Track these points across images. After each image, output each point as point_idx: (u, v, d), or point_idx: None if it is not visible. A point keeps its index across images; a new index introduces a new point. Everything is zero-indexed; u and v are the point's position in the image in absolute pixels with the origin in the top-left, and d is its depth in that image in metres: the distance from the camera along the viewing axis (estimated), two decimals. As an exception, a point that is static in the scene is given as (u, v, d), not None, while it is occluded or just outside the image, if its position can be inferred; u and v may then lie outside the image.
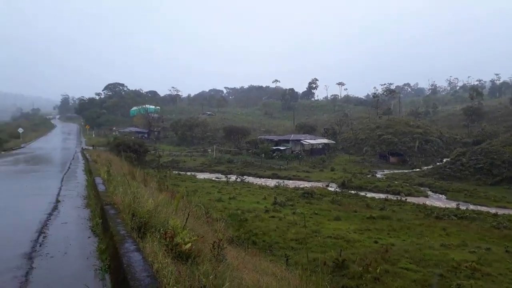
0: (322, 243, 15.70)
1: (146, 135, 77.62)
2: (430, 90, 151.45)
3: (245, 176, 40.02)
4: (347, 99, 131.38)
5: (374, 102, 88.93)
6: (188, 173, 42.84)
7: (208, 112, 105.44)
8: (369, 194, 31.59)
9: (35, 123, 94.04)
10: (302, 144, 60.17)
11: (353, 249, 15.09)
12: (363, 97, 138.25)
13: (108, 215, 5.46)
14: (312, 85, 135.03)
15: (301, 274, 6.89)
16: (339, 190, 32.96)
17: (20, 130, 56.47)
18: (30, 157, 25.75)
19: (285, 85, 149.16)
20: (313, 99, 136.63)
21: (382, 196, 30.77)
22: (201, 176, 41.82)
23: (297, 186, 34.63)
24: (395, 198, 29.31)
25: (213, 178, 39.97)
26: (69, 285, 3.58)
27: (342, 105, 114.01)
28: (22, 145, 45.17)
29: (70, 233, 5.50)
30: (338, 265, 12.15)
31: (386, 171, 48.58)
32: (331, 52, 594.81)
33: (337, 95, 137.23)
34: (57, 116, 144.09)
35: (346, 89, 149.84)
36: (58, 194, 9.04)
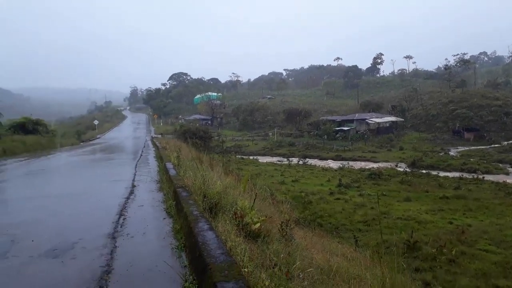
0: (391, 225, 15.17)
1: (209, 122, 79.95)
2: (510, 58, 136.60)
3: (307, 159, 39.70)
4: (416, 73, 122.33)
5: (446, 74, 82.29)
6: (251, 157, 43.51)
7: (268, 96, 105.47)
8: (442, 173, 29.68)
9: (108, 115, 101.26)
10: (368, 123, 57.91)
11: (425, 231, 14.41)
12: (434, 70, 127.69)
13: (180, 197, 5.69)
14: (377, 61, 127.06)
15: (372, 255, 6.71)
16: (409, 170, 31.38)
17: (96, 122, 61.26)
18: (106, 147, 27.80)
19: (347, 62, 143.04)
20: (378, 75, 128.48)
21: (457, 174, 28.73)
22: (263, 160, 42.29)
23: (363, 167, 33.65)
24: (471, 177, 27.27)
25: (275, 162, 40.22)
26: (149, 262, 3.79)
27: (410, 79, 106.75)
28: (98, 136, 48.91)
29: (147, 215, 5.83)
30: (409, 247, 11.68)
31: (460, 148, 45.23)
32: (398, 23, 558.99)
33: (404, 69, 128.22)
34: (127, 107, 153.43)
35: (415, 62, 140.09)
36: (133, 180, 9.63)
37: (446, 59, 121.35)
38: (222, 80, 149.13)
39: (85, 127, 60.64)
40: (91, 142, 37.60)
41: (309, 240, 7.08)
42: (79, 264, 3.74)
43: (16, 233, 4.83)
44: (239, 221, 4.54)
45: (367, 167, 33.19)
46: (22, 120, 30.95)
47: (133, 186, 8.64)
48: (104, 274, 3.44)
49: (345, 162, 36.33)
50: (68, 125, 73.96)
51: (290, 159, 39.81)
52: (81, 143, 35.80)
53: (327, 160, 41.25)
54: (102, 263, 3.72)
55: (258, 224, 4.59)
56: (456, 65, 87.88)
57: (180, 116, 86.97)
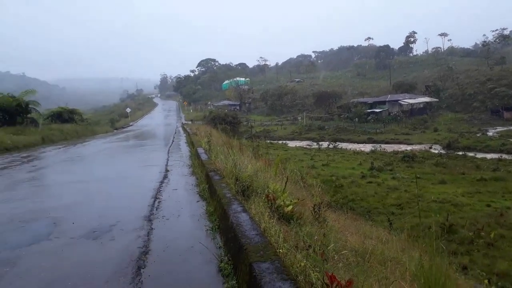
0: (426, 208, 14.78)
1: (238, 107, 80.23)
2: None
3: (337, 142, 39.16)
4: (451, 51, 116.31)
5: (484, 51, 78.38)
6: (280, 142, 43.44)
7: (297, 79, 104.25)
8: (479, 155, 28.59)
9: (139, 103, 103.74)
10: (400, 105, 56.23)
11: (461, 214, 14.00)
12: (471, 47, 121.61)
13: (213, 180, 5.75)
14: (410, 39, 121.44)
15: (407, 237, 6.57)
16: (444, 152, 30.41)
17: (128, 109, 62.85)
18: (139, 133, 28.49)
19: (378, 42, 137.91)
20: (411, 54, 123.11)
21: (495, 156, 27.58)
22: (292, 144, 42.11)
23: (396, 150, 32.87)
24: (510, 158, 26.07)
25: (305, 146, 39.96)
26: (185, 243, 3.86)
27: (445, 58, 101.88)
28: (131, 123, 50.24)
29: (181, 198, 5.94)
30: (445, 230, 11.37)
31: (499, 129, 43.23)
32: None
33: (439, 47, 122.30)
34: (158, 95, 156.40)
35: (450, 40, 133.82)
36: (166, 164, 9.84)
37: (484, 35, 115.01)
38: (250, 65, 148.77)
39: (118, 115, 62.42)
40: (124, 130, 38.65)
41: (342, 223, 7.01)
42: (118, 245, 3.86)
43: (58, 216, 5.04)
44: (271, 203, 4.54)
45: (400, 150, 32.41)
46: (58, 110, 32.19)
47: (167, 170, 8.82)
48: (142, 255, 3.53)
49: (377, 145, 35.66)
50: (102, 113, 76.42)
51: (320, 143, 39.41)
52: (115, 131, 36.88)
53: (358, 143, 40.59)
54: (140, 244, 3.83)
55: (291, 207, 4.57)
56: (495, 41, 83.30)
57: (209, 102, 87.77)
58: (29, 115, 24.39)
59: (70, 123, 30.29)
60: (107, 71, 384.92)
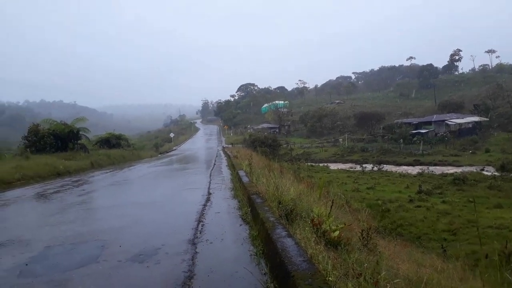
0: (482, 234, 13.79)
1: (277, 130, 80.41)
2: None
3: (382, 165, 37.98)
4: (500, 68, 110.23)
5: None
6: (321, 164, 42.77)
7: (337, 101, 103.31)
8: (540, 177, 26.51)
9: (182, 128, 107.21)
10: (447, 125, 53.87)
11: (522, 241, 12.85)
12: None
13: (255, 203, 5.68)
14: (455, 57, 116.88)
15: (463, 266, 6.10)
16: (498, 174, 28.48)
17: (172, 134, 65.03)
18: (182, 157, 29.19)
19: (421, 61, 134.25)
20: (456, 73, 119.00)
21: (558, 178, 25.50)
22: (334, 166, 41.34)
23: (445, 172, 31.29)
24: None
25: (347, 168, 39.10)
26: (229, 268, 3.79)
27: (494, 75, 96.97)
28: (174, 148, 51.78)
29: (224, 221, 5.91)
30: (505, 259, 10.48)
31: (560, 149, 40.10)
32: (479, 16, 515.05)
33: (486, 65, 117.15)
34: (199, 120, 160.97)
35: (498, 56, 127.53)
36: (209, 187, 9.91)
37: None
38: (289, 88, 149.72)
39: (162, 139, 64.69)
40: (168, 154, 39.84)
41: (392, 250, 6.65)
42: (163, 269, 3.85)
43: (106, 239, 5.16)
44: (317, 228, 4.38)
45: (449, 172, 30.84)
46: (106, 136, 33.84)
47: (209, 193, 8.88)
48: (187, 279, 3.49)
49: (424, 167, 34.17)
50: (147, 138, 79.46)
51: (364, 165, 38.39)
52: (159, 155, 38.08)
53: (404, 165, 39.14)
54: (184, 268, 3.80)
55: (337, 232, 4.39)
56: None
57: (249, 126, 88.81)
58: (79, 141, 25.79)
59: (117, 148, 31.68)
60: (152, 98, 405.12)
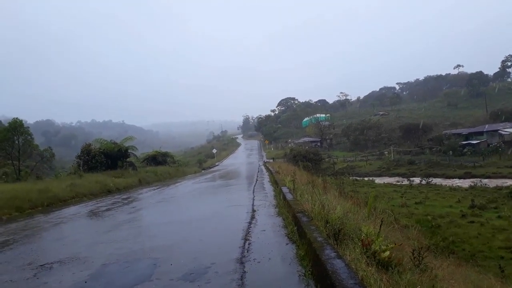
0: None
1: (319, 144, 79.55)
2: None
3: (431, 178, 36.34)
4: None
5: None
6: (365, 179, 41.66)
7: (381, 112, 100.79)
8: None
9: (224, 143, 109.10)
10: (501, 135, 50.82)
11: None
12: None
13: (301, 222, 5.65)
14: (507, 64, 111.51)
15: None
16: (562, 186, 26.36)
17: (214, 150, 66.20)
18: (224, 173, 29.58)
19: (469, 69, 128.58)
20: (509, 79, 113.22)
21: None
22: (379, 180, 40.11)
23: (500, 185, 29.38)
24: None
25: (394, 182, 37.78)
26: (279, 289, 3.79)
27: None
28: (217, 163, 52.63)
29: (269, 240, 5.91)
30: None
31: None
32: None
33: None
34: (241, 135, 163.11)
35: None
36: (253, 204, 9.97)
37: None
38: (330, 101, 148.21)
39: (205, 155, 66.12)
40: (211, 170, 40.56)
41: (445, 270, 6.33)
42: (214, 288, 3.92)
43: (157, 257, 5.33)
44: (366, 249, 4.28)
45: (504, 185, 28.90)
46: (153, 153, 35.15)
47: (253, 210, 8.93)
48: (237, 300, 3.54)
49: (477, 180, 32.26)
50: (191, 154, 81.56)
51: (411, 179, 36.95)
52: (202, 171, 38.87)
53: (454, 178, 37.25)
54: (234, 288, 3.85)
55: (388, 252, 4.26)
56: None
57: (290, 140, 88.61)
58: (128, 159, 26.95)
59: (163, 165, 32.78)
60: (195, 115, 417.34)
